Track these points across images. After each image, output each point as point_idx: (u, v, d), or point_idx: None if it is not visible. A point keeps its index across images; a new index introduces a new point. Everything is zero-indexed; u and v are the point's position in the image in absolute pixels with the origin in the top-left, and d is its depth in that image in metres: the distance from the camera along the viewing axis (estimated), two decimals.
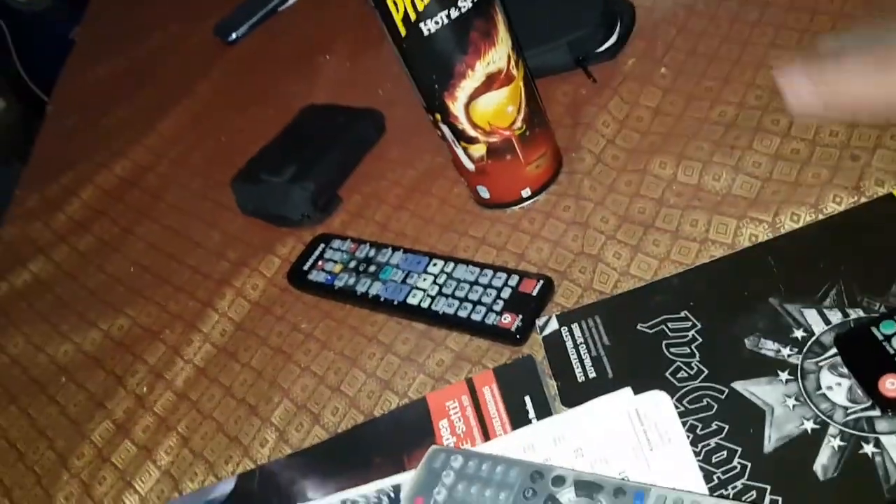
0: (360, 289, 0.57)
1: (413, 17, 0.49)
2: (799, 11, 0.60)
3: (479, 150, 0.56)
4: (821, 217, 0.46)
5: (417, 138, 0.69)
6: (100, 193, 0.83)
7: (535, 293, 0.51)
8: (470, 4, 0.49)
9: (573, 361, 0.46)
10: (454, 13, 0.49)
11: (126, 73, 1.06)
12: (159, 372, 0.61)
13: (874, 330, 0.38)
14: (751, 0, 0.63)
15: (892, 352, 0.37)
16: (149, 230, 0.76)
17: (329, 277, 0.59)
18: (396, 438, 0.47)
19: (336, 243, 0.62)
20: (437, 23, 0.49)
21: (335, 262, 0.60)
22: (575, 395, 0.44)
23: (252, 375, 0.57)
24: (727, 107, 0.57)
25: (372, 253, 0.59)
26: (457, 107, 0.53)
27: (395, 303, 0.55)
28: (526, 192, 0.58)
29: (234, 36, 0.97)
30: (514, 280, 0.52)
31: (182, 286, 0.67)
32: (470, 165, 0.57)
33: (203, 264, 0.69)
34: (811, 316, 0.42)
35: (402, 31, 0.50)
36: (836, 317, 0.41)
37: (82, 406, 0.62)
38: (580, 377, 0.45)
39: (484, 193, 0.59)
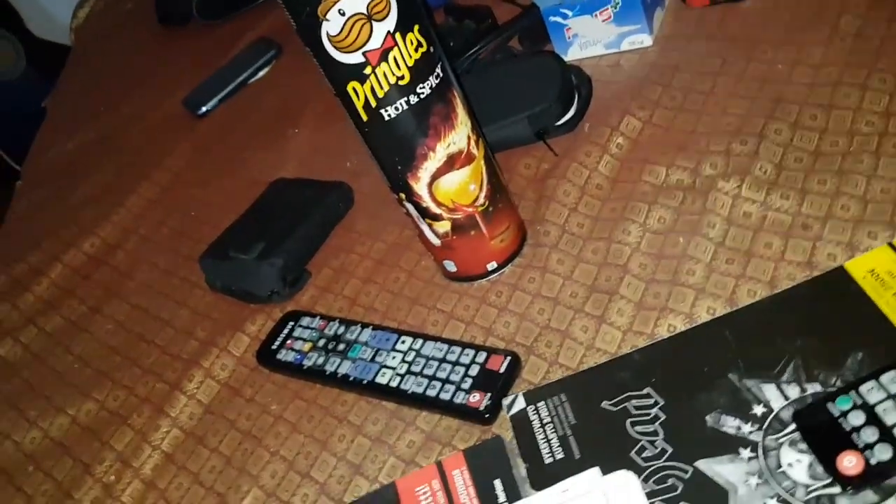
0: (330, 368, 0.57)
1: (374, 103, 0.50)
2: (749, 81, 0.62)
3: (443, 227, 0.57)
4: (775, 291, 0.47)
5: (385, 210, 0.69)
6: (68, 272, 0.82)
7: (502, 370, 0.51)
8: (429, 90, 0.50)
9: (540, 442, 0.46)
10: (413, 99, 0.50)
11: (95, 146, 1.06)
12: (126, 459, 0.60)
13: (831, 406, 0.39)
14: (704, 71, 0.65)
15: (848, 428, 0.38)
16: (117, 309, 0.75)
17: (298, 357, 0.59)
18: None
19: (305, 321, 0.62)
20: (397, 108, 0.50)
21: (304, 340, 0.60)
22: (544, 477, 0.44)
23: (221, 462, 0.56)
24: (683, 173, 0.58)
25: (341, 330, 0.59)
26: (420, 186, 0.54)
27: (364, 382, 0.55)
28: (492, 266, 0.59)
29: (204, 109, 0.99)
30: (481, 357, 0.52)
31: (150, 368, 0.67)
32: (436, 241, 0.58)
33: (171, 344, 0.68)
34: (770, 391, 0.42)
35: (364, 117, 0.51)
36: (794, 392, 0.42)
37: (50, 496, 0.60)
38: (548, 458, 0.45)
39: (451, 267, 0.60)
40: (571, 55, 0.73)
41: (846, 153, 0.53)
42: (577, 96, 0.67)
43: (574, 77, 0.68)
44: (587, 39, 0.72)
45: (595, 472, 0.43)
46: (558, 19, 0.72)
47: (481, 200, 0.56)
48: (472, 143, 0.54)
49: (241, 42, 1.07)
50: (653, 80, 0.67)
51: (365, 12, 0.46)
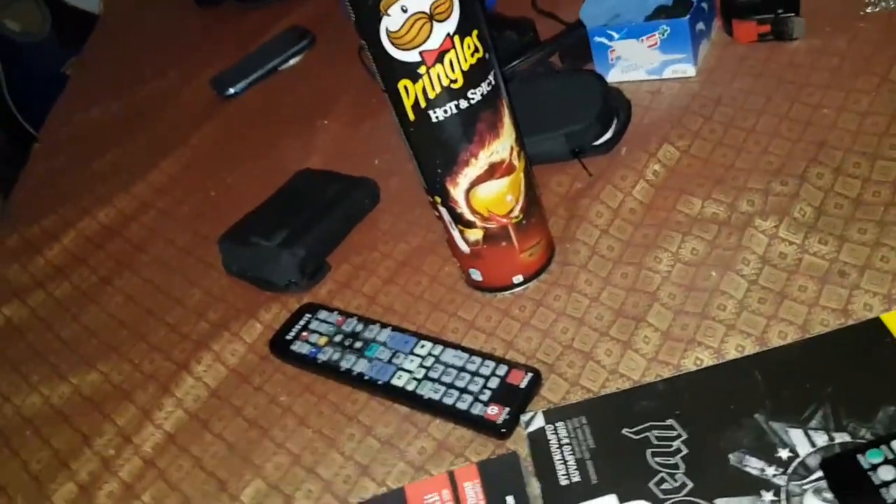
0: (345, 365, 0.56)
1: (423, 104, 0.49)
2: (793, 122, 0.62)
3: (475, 235, 0.56)
4: (808, 336, 0.47)
5: (411, 212, 0.69)
6: (81, 240, 0.81)
7: (522, 386, 0.50)
8: (479, 97, 0.50)
9: (557, 463, 0.45)
10: (463, 104, 0.50)
11: (118, 117, 1.05)
12: (128, 435, 0.59)
13: (861, 458, 0.38)
14: (746, 107, 0.65)
15: (877, 482, 0.37)
16: (128, 282, 0.75)
17: (313, 350, 0.58)
18: None
19: (322, 314, 0.61)
20: (445, 112, 0.49)
21: (320, 333, 0.59)
22: (558, 499, 0.43)
23: (224, 448, 0.55)
24: (719, 207, 0.58)
25: (359, 328, 0.59)
26: (458, 192, 0.54)
27: (380, 383, 0.54)
28: (518, 279, 0.59)
29: (231, 91, 0.98)
30: (502, 370, 0.52)
31: (158, 345, 0.66)
32: (465, 248, 0.57)
33: (181, 323, 0.67)
34: (796, 436, 0.42)
35: (411, 117, 0.50)
36: (821, 439, 0.41)
37: (46, 463, 0.59)
38: (564, 480, 0.44)
39: (476, 276, 0.59)
40: (612, 77, 0.73)
41: (889, 204, 0.53)
42: (615, 119, 0.67)
43: (614, 99, 0.68)
44: (630, 63, 0.72)
45: (612, 499, 0.42)
46: (603, 40, 0.72)
47: (516, 212, 0.55)
48: (515, 154, 0.54)
49: (273, 28, 1.07)
50: (693, 111, 0.67)
51: (427, 11, 0.46)
